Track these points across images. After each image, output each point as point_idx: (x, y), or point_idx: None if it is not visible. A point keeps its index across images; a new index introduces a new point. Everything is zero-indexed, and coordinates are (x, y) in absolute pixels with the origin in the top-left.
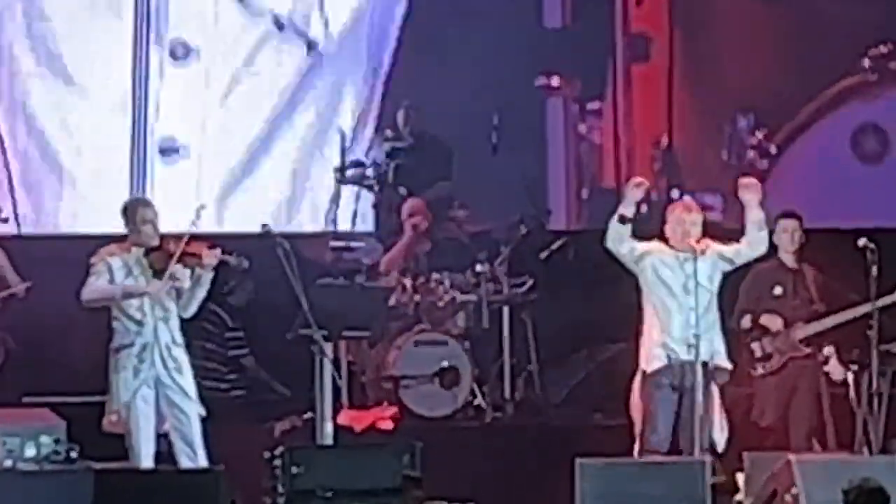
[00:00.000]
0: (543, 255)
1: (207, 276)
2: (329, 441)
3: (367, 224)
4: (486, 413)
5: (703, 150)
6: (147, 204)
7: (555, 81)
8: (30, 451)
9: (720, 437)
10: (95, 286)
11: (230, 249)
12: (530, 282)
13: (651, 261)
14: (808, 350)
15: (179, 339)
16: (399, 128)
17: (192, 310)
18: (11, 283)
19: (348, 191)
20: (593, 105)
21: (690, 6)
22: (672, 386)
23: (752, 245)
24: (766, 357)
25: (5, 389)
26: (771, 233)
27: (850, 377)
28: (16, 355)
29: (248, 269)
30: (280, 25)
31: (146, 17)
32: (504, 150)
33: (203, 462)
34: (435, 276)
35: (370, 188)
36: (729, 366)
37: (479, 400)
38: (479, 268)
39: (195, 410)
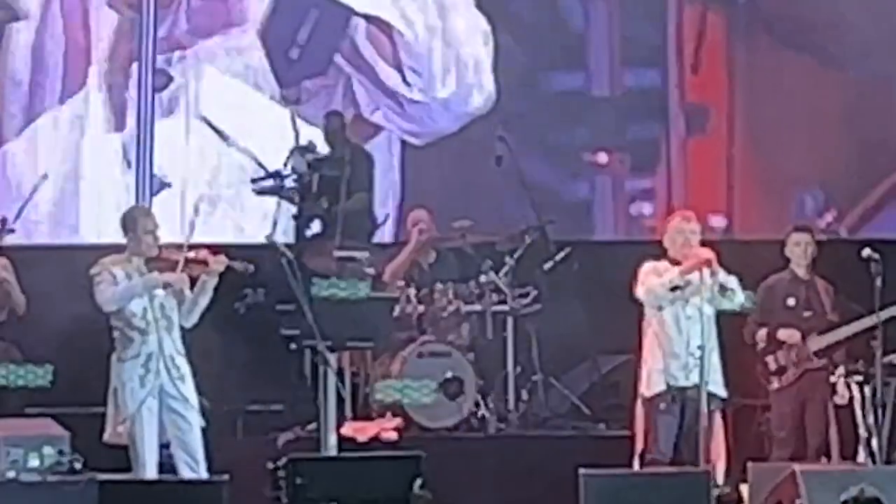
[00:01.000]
0: (547, 265)
1: (211, 284)
2: (333, 452)
3: (287, 236)
4: (489, 424)
5: (765, 232)
6: (147, 214)
7: (602, 158)
8: (33, 462)
9: (719, 469)
10: (114, 289)
11: (234, 256)
12: (534, 292)
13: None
14: (822, 362)
15: (181, 348)
16: (324, 138)
17: (194, 318)
18: (15, 299)
19: (272, 202)
20: (644, 182)
21: (752, 74)
22: (671, 411)
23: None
24: (781, 370)
25: (10, 401)
26: (783, 246)
27: (856, 392)
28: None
29: (254, 274)
30: None
31: None
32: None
33: (204, 472)
34: (439, 286)
35: (290, 199)
36: (724, 394)
37: (482, 411)
38: (483, 278)
39: (197, 420)
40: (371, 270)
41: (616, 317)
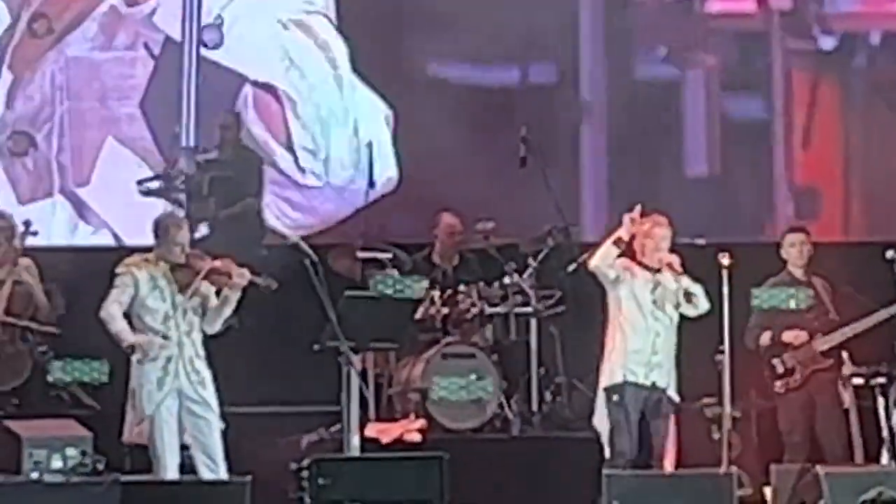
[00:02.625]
0: (571, 267)
1: (234, 297)
2: (356, 453)
3: None
4: (513, 425)
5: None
6: (180, 225)
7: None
8: (56, 463)
9: (669, 465)
10: (111, 308)
11: (258, 270)
12: (558, 294)
13: (627, 281)
14: (829, 362)
15: (202, 352)
16: (216, 140)
17: (216, 327)
18: (39, 302)
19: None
20: None
21: (869, 149)
22: (624, 405)
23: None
24: (789, 372)
25: (34, 402)
26: (779, 247)
27: (878, 394)
28: (40, 368)
29: (276, 291)
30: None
31: None
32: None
33: (223, 474)
34: (462, 288)
35: (176, 201)
36: (677, 399)
37: (506, 412)
38: (506, 280)
39: (216, 423)
40: (394, 272)
41: None
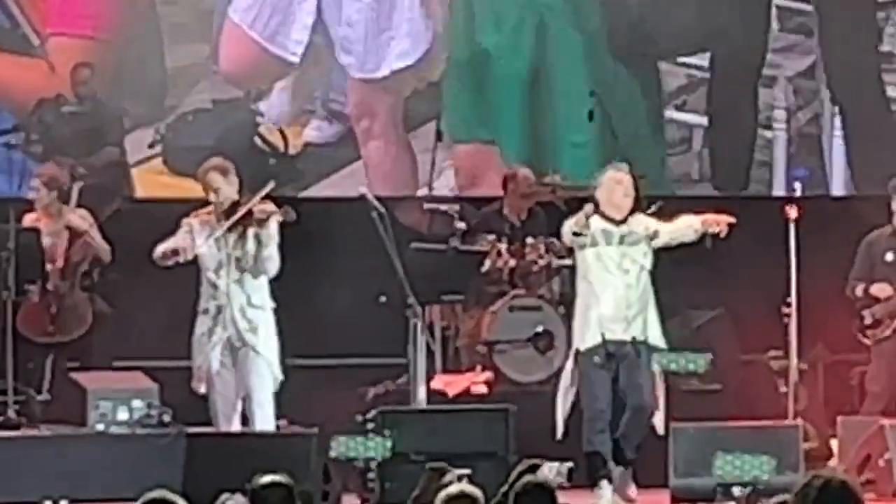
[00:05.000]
0: None
1: (266, 233)
2: (423, 405)
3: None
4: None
5: None
6: (214, 169)
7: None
8: (122, 415)
9: (659, 420)
10: (155, 250)
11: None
12: None
13: (593, 241)
14: None
15: (258, 300)
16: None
17: (270, 268)
18: (99, 248)
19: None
20: None
21: None
22: (604, 365)
23: (677, 235)
24: (877, 324)
25: (98, 354)
26: (889, 201)
27: None
28: (107, 319)
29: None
30: None
31: None
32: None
33: (270, 424)
34: (530, 241)
35: (34, 154)
36: (664, 345)
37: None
38: None
39: (267, 371)
40: (462, 224)
41: (706, 271)
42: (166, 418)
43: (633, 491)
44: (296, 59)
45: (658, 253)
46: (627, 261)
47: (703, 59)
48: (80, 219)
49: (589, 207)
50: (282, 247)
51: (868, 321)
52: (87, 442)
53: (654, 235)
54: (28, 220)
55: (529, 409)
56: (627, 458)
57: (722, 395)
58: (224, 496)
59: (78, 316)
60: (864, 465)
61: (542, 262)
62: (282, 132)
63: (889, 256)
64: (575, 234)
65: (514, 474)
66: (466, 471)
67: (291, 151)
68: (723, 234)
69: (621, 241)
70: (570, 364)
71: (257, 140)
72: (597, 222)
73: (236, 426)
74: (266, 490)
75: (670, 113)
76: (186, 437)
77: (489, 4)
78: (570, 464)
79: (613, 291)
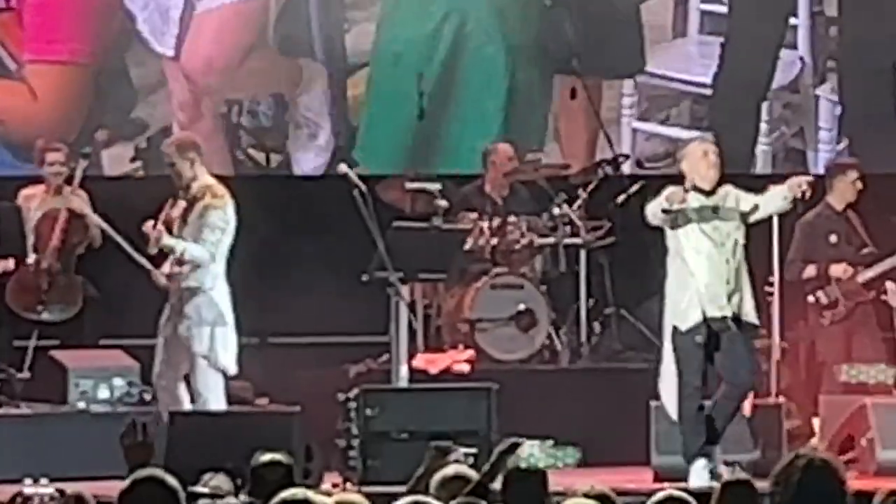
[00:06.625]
0: (620, 198)
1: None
2: (404, 384)
3: None
4: (562, 356)
5: None
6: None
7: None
8: (103, 394)
9: (748, 401)
10: None
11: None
12: (608, 225)
13: (685, 218)
14: (871, 294)
15: (210, 284)
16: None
17: (193, 254)
18: (93, 233)
19: None
20: None
21: None
22: (704, 344)
23: (770, 208)
24: (833, 304)
25: (85, 334)
26: (831, 179)
27: None
28: (95, 301)
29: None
30: None
31: None
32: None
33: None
34: (512, 219)
35: None
36: (758, 322)
37: (555, 343)
38: (556, 211)
39: (201, 357)
40: (444, 203)
41: None
42: (147, 397)
43: (723, 469)
44: None
45: (647, 234)
46: (722, 234)
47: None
48: (81, 201)
49: (687, 184)
50: (263, 225)
51: (824, 302)
52: (68, 420)
53: (751, 211)
54: (24, 194)
55: (511, 388)
56: (718, 435)
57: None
58: (206, 475)
59: (69, 297)
60: (847, 444)
61: (524, 241)
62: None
63: (832, 238)
64: (665, 211)
65: (494, 453)
66: (472, 450)
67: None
68: (808, 196)
69: (714, 211)
70: (668, 344)
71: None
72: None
73: (222, 404)
74: (265, 468)
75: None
76: (168, 415)
77: None
78: (550, 442)
79: (711, 267)
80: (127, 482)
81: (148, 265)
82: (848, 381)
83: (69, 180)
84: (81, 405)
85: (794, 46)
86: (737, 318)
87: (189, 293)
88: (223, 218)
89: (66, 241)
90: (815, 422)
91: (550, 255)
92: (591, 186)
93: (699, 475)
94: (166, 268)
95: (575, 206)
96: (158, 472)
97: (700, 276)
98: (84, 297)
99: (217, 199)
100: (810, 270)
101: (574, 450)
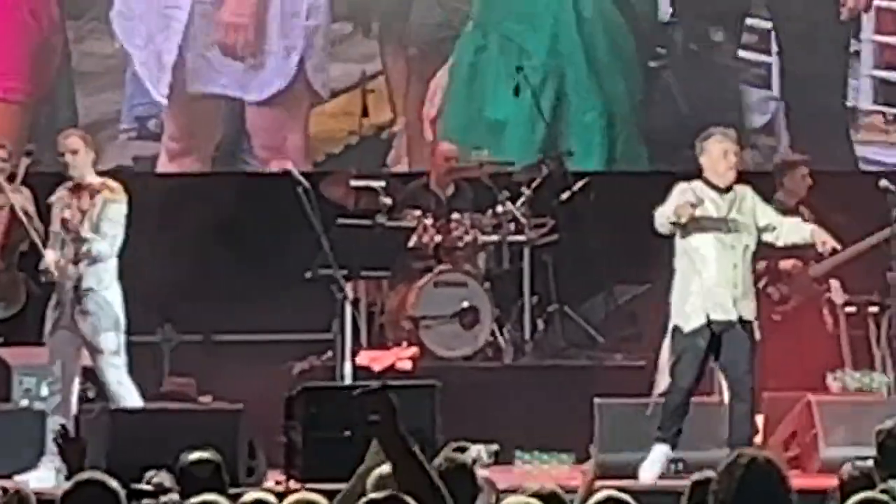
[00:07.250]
0: (564, 196)
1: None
2: (348, 381)
3: None
4: (505, 353)
5: None
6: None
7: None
8: (46, 391)
9: None
10: None
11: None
12: (551, 223)
13: (699, 226)
14: (822, 290)
15: (107, 280)
16: None
17: (99, 248)
18: (31, 230)
19: None
20: None
21: None
22: (706, 347)
23: (792, 237)
24: (784, 300)
25: (27, 331)
26: (781, 177)
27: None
28: (36, 298)
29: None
30: None
31: None
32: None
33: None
34: (455, 216)
35: None
36: (753, 319)
37: (499, 340)
38: (500, 208)
39: (107, 356)
40: (387, 200)
41: (633, 247)
42: (90, 394)
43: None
44: None
45: (591, 232)
46: (732, 239)
47: None
48: (25, 199)
49: (698, 187)
50: (208, 221)
51: (776, 297)
52: (11, 418)
53: (766, 228)
54: None
55: (455, 385)
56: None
57: (647, 371)
58: (149, 473)
59: (12, 295)
60: (790, 441)
61: (467, 238)
62: None
63: None
64: (674, 223)
65: (440, 457)
66: (494, 447)
67: None
68: (825, 254)
69: (728, 224)
70: (667, 341)
71: None
72: (701, 193)
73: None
74: (194, 466)
75: None
76: (110, 412)
77: None
78: (495, 446)
79: (719, 271)
80: (69, 484)
81: (51, 256)
82: (843, 387)
83: (12, 177)
84: (25, 403)
85: None
86: (747, 322)
87: (90, 292)
88: (122, 212)
89: (8, 239)
90: (759, 419)
91: (494, 252)
92: (535, 184)
93: (654, 462)
94: (52, 256)
95: (519, 203)
96: (100, 475)
97: (707, 279)
98: (27, 293)
99: (115, 194)
100: (760, 266)
101: (567, 455)
